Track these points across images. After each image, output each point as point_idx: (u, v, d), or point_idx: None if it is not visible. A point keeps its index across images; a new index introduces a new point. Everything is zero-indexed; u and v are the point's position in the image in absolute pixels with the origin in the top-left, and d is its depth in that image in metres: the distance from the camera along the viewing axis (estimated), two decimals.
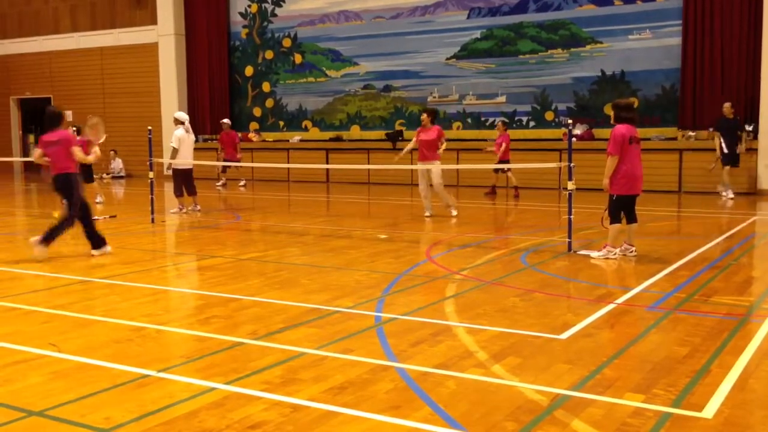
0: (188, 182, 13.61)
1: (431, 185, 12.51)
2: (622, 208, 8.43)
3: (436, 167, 12.27)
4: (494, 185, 16.43)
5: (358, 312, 6.10)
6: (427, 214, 12.43)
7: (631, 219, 8.53)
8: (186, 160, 13.47)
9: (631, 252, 8.48)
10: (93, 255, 8.85)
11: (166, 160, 13.49)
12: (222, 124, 19.49)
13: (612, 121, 8.49)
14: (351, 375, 4.52)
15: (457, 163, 18.48)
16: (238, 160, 18.58)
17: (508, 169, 15.95)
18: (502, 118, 17.78)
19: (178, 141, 13.31)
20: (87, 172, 15.23)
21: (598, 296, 6.65)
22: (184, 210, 13.56)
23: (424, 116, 12.58)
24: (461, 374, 4.52)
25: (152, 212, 12.30)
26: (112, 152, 23.38)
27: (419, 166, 12.37)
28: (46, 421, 3.88)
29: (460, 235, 10.66)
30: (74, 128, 13.72)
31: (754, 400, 4.15)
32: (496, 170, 16.09)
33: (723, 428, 3.72)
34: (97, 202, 15.05)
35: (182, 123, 13.48)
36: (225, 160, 18.42)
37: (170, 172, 14.08)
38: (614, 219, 8.42)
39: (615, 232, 8.44)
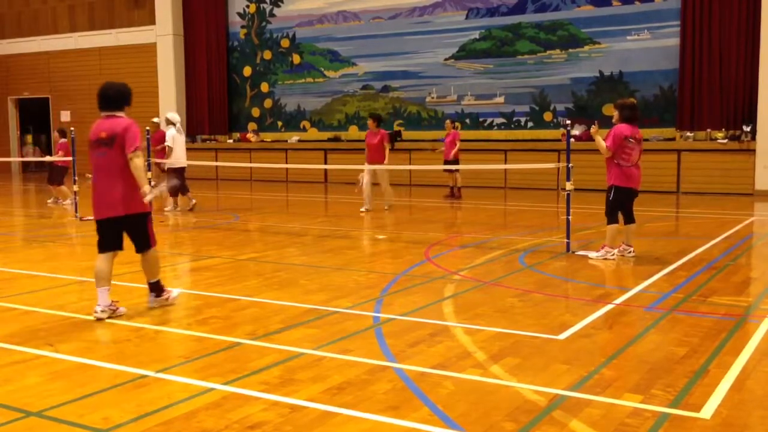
0: (182, 181, 13.72)
1: (375, 184, 13.32)
2: (620, 208, 8.43)
3: (382, 168, 13.06)
4: (452, 186, 16.09)
5: (357, 312, 6.10)
6: (364, 208, 13.18)
7: (630, 219, 8.54)
8: (180, 159, 13.62)
9: (630, 252, 8.48)
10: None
11: (170, 160, 13.51)
12: (152, 123, 16.61)
13: (614, 120, 8.49)
14: (349, 375, 4.52)
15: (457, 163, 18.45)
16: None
17: (457, 170, 15.54)
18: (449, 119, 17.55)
19: (173, 140, 13.42)
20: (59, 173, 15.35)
21: (596, 297, 6.65)
22: (179, 208, 13.64)
23: (370, 121, 13.34)
24: (460, 374, 4.52)
25: (151, 212, 12.28)
26: None
27: (366, 167, 13.11)
28: (45, 422, 3.87)
29: (459, 235, 10.66)
30: (70, 129, 13.73)
31: (752, 401, 4.15)
32: (449, 170, 15.69)
33: (721, 428, 3.72)
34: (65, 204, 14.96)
35: (174, 123, 13.61)
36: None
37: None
38: (611, 219, 8.43)
39: (613, 233, 8.44)
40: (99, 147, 6.03)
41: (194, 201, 14.00)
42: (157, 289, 6.31)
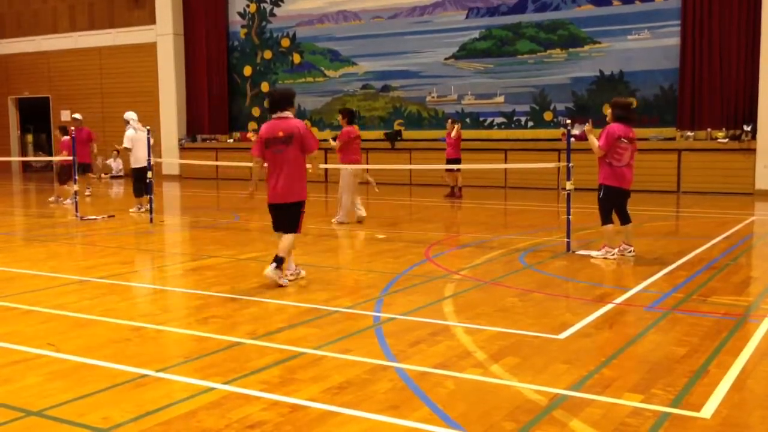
0: (142, 181, 13.17)
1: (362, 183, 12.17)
2: (612, 208, 8.42)
3: (344, 169, 11.67)
4: (453, 186, 16.02)
5: (357, 312, 6.10)
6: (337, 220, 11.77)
7: (625, 220, 8.51)
8: (140, 159, 13.19)
9: (630, 252, 8.47)
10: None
11: (169, 160, 13.49)
12: (75, 120, 15.93)
13: (608, 120, 8.47)
14: (350, 375, 4.51)
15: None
16: (90, 164, 16.09)
17: (458, 169, 15.49)
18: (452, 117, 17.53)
19: (130, 141, 13.26)
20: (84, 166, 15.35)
21: (596, 296, 6.65)
22: (143, 209, 13.25)
23: (340, 117, 12.10)
24: (460, 374, 4.52)
25: (151, 212, 12.30)
26: (114, 152, 23.38)
27: (340, 166, 11.93)
28: (45, 421, 3.87)
29: (459, 235, 10.66)
30: (71, 129, 13.73)
31: (752, 400, 4.15)
32: (450, 170, 15.66)
33: (721, 428, 3.72)
34: (65, 203, 14.98)
35: (128, 122, 13.48)
36: (81, 164, 14.71)
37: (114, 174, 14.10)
38: (605, 219, 8.43)
39: (609, 232, 8.45)
40: (277, 145, 6.97)
41: (144, 209, 13.25)
42: (279, 263, 7.01)
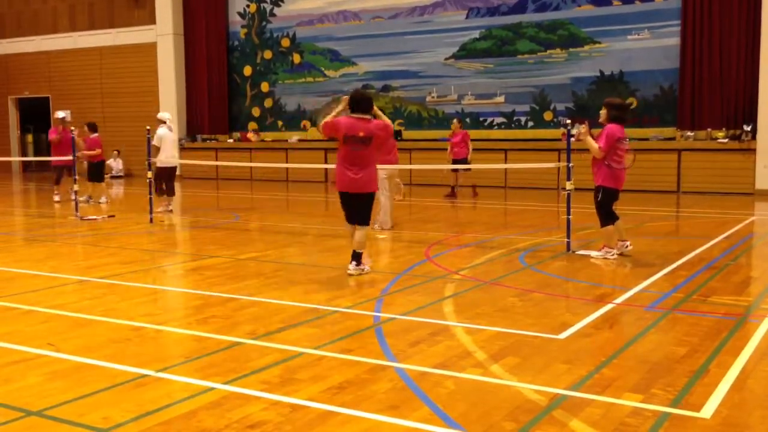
0: (169, 182, 13.48)
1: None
2: (609, 208, 8.42)
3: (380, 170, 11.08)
4: (454, 185, 16.07)
5: (357, 312, 6.10)
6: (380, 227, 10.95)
7: (614, 218, 8.50)
8: (169, 158, 13.39)
9: (627, 247, 8.47)
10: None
11: (169, 160, 13.42)
12: (63, 120, 15.23)
13: (602, 120, 8.44)
14: (350, 375, 4.51)
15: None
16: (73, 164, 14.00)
17: (468, 169, 15.52)
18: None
19: (160, 140, 13.29)
20: (98, 171, 15.34)
21: (596, 296, 6.66)
22: (170, 207, 13.45)
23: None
24: (460, 374, 4.52)
25: (151, 212, 12.30)
26: (115, 152, 23.39)
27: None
28: (45, 421, 3.87)
29: (459, 235, 10.66)
30: (71, 128, 13.70)
31: (753, 400, 4.15)
32: (457, 170, 15.67)
33: (721, 428, 3.72)
34: (100, 202, 15.05)
35: (164, 122, 13.52)
36: (62, 166, 14.61)
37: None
38: (605, 221, 8.42)
39: (610, 233, 8.45)
40: (356, 143, 7.49)
41: (171, 208, 13.51)
42: (358, 258, 7.60)
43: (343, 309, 6.19)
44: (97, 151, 15.24)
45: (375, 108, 7.77)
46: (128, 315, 6.04)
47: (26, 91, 26.75)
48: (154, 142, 13.25)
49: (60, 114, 15.23)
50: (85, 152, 15.02)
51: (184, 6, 23.47)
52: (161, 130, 13.39)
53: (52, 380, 4.48)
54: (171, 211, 13.48)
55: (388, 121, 7.78)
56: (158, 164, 13.34)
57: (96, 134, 15.32)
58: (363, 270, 7.65)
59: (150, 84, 23.77)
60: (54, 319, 5.97)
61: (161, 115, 13.91)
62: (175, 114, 23.34)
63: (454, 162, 15.66)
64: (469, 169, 15.61)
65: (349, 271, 7.58)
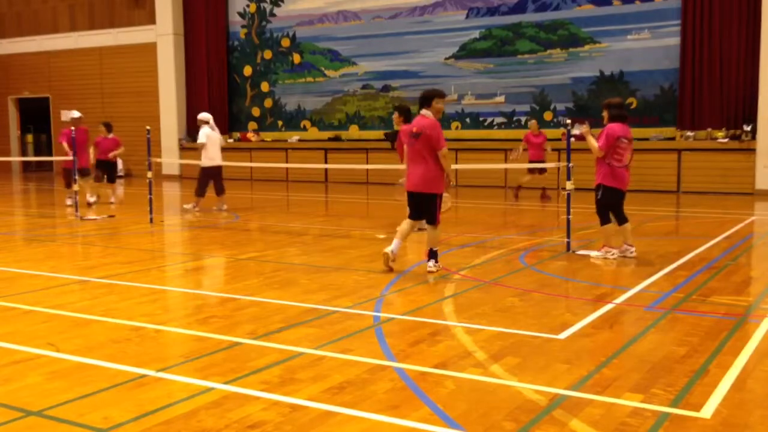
0: (218, 181, 13.71)
1: None
2: (609, 208, 8.42)
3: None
4: (520, 186, 15.77)
5: (357, 312, 6.10)
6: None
7: (622, 219, 8.50)
8: (213, 158, 13.55)
9: (631, 252, 8.47)
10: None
11: (169, 160, 13.49)
12: (78, 120, 14.70)
13: (605, 122, 8.45)
14: (350, 375, 4.51)
15: (456, 163, 18.46)
16: (89, 167, 14.84)
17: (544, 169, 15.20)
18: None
19: (206, 137, 13.40)
20: (111, 171, 15.39)
21: (596, 296, 6.65)
22: (197, 208, 13.59)
23: (395, 115, 10.56)
24: (460, 374, 4.52)
25: (151, 212, 12.30)
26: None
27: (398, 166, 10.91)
28: (45, 421, 3.87)
29: (459, 234, 10.66)
30: (72, 128, 13.68)
31: (753, 400, 4.15)
32: (534, 170, 15.31)
33: (721, 428, 3.72)
34: (111, 202, 15.03)
35: (207, 122, 13.61)
36: (80, 169, 13.75)
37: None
38: (603, 219, 8.42)
39: (608, 233, 8.45)
40: (410, 138, 7.68)
41: (225, 207, 13.72)
42: (434, 256, 7.70)
43: (343, 309, 6.19)
44: (122, 149, 15.36)
45: (434, 102, 7.70)
46: (128, 315, 6.04)
47: (26, 91, 26.75)
48: (202, 140, 13.39)
49: (75, 114, 15.04)
50: (115, 152, 15.13)
51: (184, 6, 23.47)
52: (205, 130, 13.48)
53: (52, 380, 4.48)
54: (226, 209, 13.63)
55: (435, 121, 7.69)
56: (205, 164, 13.50)
57: (113, 135, 15.32)
58: (439, 267, 7.69)
59: (150, 84, 23.77)
60: (54, 319, 5.97)
61: (203, 115, 13.91)
62: (175, 114, 23.38)
63: (531, 163, 15.10)
64: (545, 170, 15.22)
65: (428, 270, 7.64)
